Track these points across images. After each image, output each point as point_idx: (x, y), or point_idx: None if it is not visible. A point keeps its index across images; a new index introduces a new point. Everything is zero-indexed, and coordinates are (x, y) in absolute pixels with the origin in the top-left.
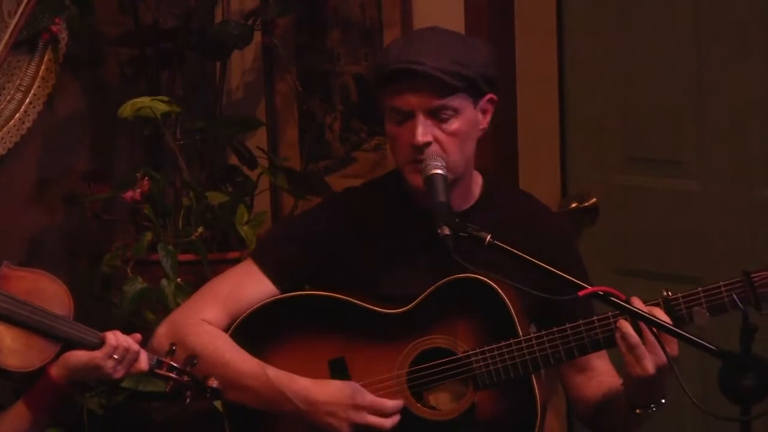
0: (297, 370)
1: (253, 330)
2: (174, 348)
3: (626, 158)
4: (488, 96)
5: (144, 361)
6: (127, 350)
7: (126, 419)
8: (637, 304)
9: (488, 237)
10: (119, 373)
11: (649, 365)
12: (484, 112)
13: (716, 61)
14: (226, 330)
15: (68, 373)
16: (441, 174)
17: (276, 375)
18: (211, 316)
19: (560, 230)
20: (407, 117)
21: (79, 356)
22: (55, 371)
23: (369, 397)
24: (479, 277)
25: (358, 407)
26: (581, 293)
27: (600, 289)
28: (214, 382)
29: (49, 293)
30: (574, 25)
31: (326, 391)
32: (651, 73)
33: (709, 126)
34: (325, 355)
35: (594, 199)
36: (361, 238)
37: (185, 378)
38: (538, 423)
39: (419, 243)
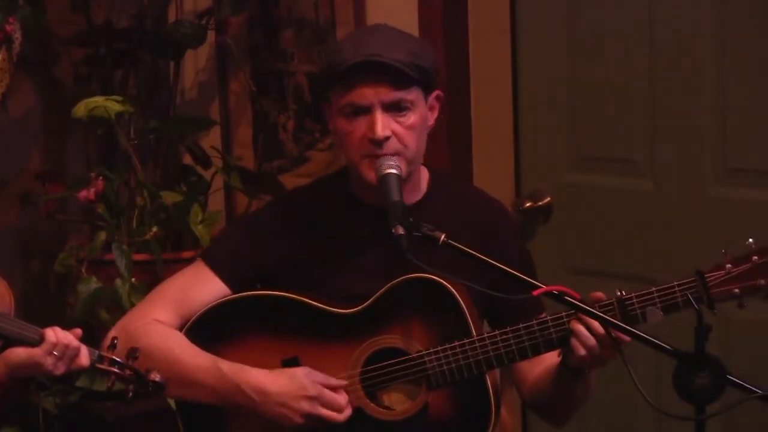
0: None
1: (205, 330)
2: (115, 342)
3: (580, 157)
4: (436, 92)
5: (84, 357)
6: (66, 346)
7: (80, 419)
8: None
9: (442, 237)
10: (60, 370)
11: (604, 360)
12: (431, 109)
13: (668, 60)
14: (178, 331)
15: (9, 370)
16: (395, 174)
17: (228, 368)
18: (163, 317)
19: (507, 220)
20: (362, 111)
21: (18, 353)
22: None
23: (322, 389)
24: (432, 276)
25: (310, 398)
26: (535, 292)
27: (554, 288)
28: (156, 376)
29: None
30: (528, 25)
31: (279, 382)
32: (604, 72)
33: (661, 125)
34: (279, 354)
35: (548, 198)
36: (309, 237)
37: (127, 372)
38: (492, 421)
39: (368, 241)
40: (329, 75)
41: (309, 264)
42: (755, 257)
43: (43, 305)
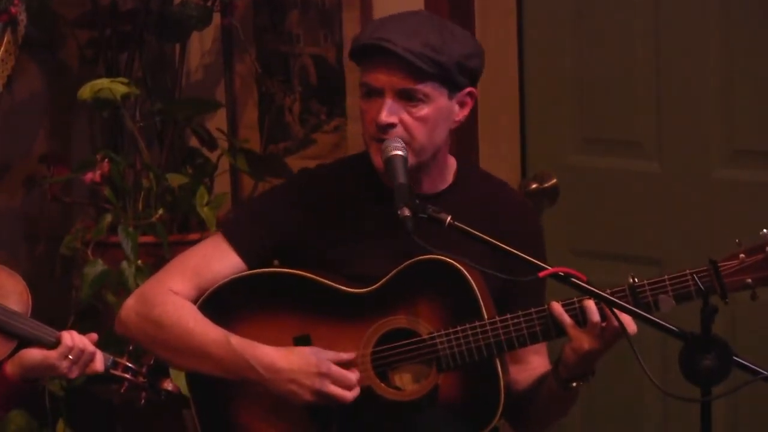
0: None
1: (219, 304)
2: (130, 348)
3: (586, 139)
4: (468, 89)
5: (99, 362)
6: (82, 351)
7: (87, 401)
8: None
9: (448, 218)
10: (74, 373)
11: (606, 341)
12: (462, 104)
13: (674, 42)
14: (193, 303)
15: (22, 371)
16: (401, 155)
17: (239, 343)
18: (179, 288)
19: (530, 220)
20: (376, 93)
21: (33, 354)
22: (10, 368)
23: (333, 367)
24: (445, 259)
25: (321, 375)
26: (541, 274)
27: (560, 270)
28: (169, 385)
29: (7, 289)
30: (534, 6)
31: (290, 358)
32: (610, 54)
33: (667, 107)
34: (291, 332)
35: (554, 180)
36: (328, 216)
37: (141, 379)
38: (501, 404)
39: (386, 223)
40: (351, 50)
41: (326, 243)
42: None
43: (48, 288)
